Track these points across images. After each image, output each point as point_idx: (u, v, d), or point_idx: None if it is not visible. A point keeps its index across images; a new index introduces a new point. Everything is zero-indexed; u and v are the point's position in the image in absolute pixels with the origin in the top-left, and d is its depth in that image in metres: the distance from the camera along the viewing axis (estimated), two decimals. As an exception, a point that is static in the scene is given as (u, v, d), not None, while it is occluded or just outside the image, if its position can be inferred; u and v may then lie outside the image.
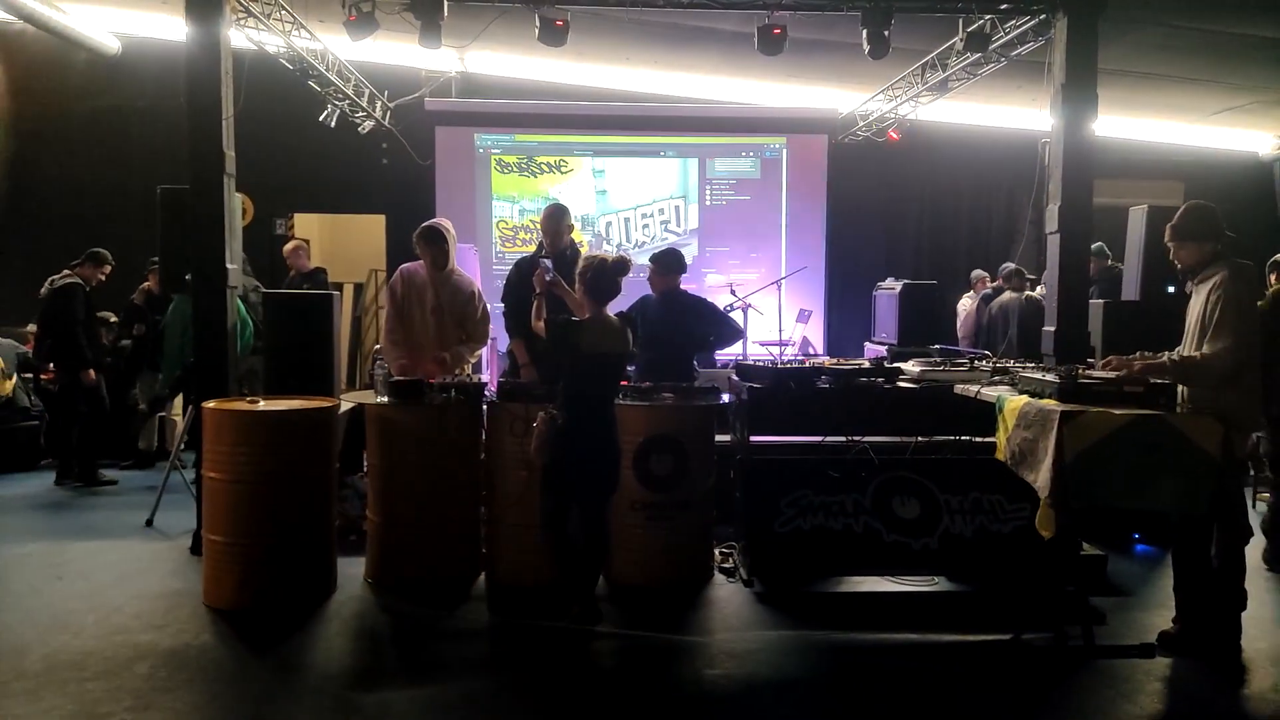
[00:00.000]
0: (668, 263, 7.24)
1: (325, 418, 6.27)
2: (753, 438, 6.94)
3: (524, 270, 6.86)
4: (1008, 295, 10.89)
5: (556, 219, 7.15)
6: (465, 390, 6.48)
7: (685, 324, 7.13)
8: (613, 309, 5.82)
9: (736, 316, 8.54)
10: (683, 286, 7.31)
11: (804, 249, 13.18)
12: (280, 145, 11.86)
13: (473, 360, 7.16)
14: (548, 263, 6.11)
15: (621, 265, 5.66)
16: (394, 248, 11.94)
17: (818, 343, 12.77)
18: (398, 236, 11.28)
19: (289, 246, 11.03)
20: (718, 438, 6.73)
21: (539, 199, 12.80)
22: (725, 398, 7.00)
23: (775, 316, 11.30)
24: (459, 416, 6.48)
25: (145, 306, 10.61)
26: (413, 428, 6.47)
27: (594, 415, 5.62)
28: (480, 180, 12.93)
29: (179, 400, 9.82)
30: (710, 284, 12.35)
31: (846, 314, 13.41)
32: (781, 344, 10.94)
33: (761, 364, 6.97)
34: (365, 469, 7.00)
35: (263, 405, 6.23)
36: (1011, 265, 11.43)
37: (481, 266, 11.22)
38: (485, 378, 7.61)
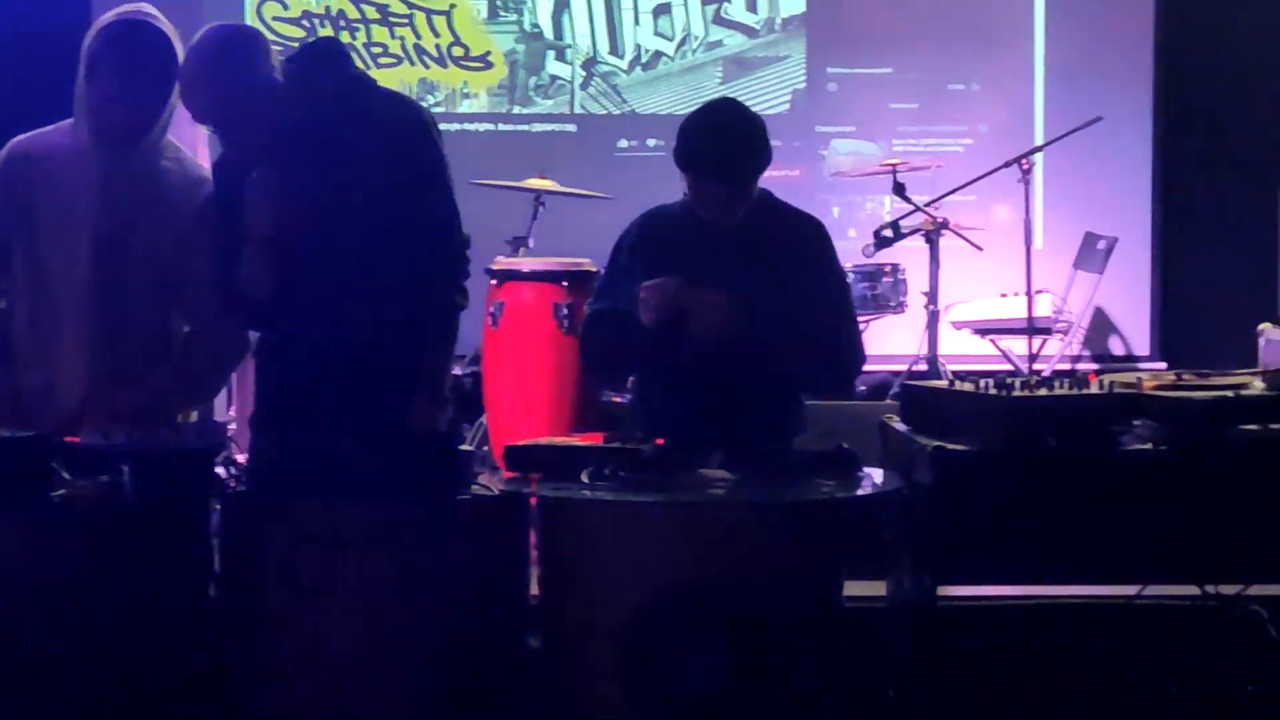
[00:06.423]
0: (714, 140, 4.37)
1: None
2: (945, 589, 4.44)
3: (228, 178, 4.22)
4: None
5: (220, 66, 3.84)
6: (176, 464, 3.96)
7: (771, 294, 4.56)
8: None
9: (916, 273, 6.76)
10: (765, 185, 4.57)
11: (1094, 77, 8.63)
12: None
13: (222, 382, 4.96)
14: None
15: None
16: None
17: (1132, 328, 8.59)
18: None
19: None
20: (849, 589, 4.05)
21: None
22: (875, 479, 4.00)
23: (1019, 254, 7.42)
24: (157, 539, 3.81)
25: None
26: (32, 573, 3.87)
27: None
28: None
29: None
30: (835, 165, 8.26)
31: (1208, 254, 8.68)
32: (1039, 327, 7.41)
33: (973, 387, 4.16)
34: None
35: None
36: None
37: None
38: (226, 418, 5.42)
